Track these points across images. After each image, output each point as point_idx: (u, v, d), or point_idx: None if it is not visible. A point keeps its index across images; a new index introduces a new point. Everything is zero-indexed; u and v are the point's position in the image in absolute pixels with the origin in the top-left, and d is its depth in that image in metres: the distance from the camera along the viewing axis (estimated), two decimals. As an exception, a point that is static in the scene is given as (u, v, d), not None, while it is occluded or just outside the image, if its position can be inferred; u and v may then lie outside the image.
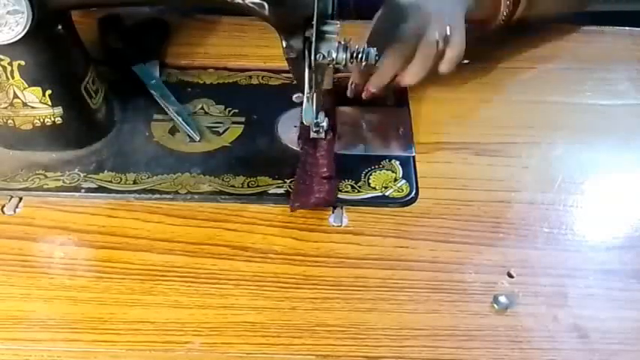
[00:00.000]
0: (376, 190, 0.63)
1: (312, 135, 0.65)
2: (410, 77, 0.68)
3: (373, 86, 0.68)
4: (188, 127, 0.68)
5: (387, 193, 0.62)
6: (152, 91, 0.72)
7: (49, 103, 0.62)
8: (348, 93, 0.70)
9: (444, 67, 0.68)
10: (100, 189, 0.62)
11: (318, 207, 0.60)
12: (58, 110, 0.62)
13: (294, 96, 0.60)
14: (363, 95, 0.69)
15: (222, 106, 0.71)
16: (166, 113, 0.70)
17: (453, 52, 0.68)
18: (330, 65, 0.57)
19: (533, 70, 0.78)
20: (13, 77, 0.59)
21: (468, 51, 0.75)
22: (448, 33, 0.66)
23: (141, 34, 0.80)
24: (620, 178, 0.66)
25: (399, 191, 0.63)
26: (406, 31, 0.65)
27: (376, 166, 0.65)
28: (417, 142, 0.68)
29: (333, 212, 0.61)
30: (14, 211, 0.61)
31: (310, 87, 0.58)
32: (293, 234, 0.59)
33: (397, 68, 0.67)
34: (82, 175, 0.63)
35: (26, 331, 0.52)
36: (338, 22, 0.55)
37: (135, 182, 0.63)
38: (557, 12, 0.81)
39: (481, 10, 0.72)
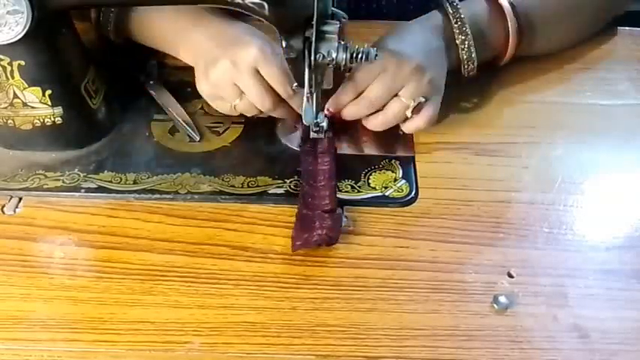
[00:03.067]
0: (376, 190, 0.63)
1: (312, 135, 0.65)
2: (371, 124, 0.66)
3: (332, 108, 0.65)
4: (188, 127, 0.68)
5: (387, 193, 0.62)
6: (152, 92, 0.72)
7: (49, 103, 0.62)
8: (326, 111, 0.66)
9: (408, 127, 0.66)
10: (100, 189, 0.62)
11: (321, 246, 0.57)
12: (58, 110, 0.62)
13: (293, 85, 0.60)
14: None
15: (222, 106, 0.71)
16: (166, 113, 0.70)
17: (422, 120, 0.65)
18: (330, 65, 0.57)
19: (534, 70, 0.78)
20: (13, 77, 0.59)
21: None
22: (422, 100, 0.64)
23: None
24: (620, 178, 0.66)
25: (399, 191, 0.63)
26: (386, 81, 0.63)
27: (376, 166, 0.65)
28: (417, 142, 0.68)
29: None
30: (14, 211, 0.61)
31: (310, 87, 0.58)
32: (293, 234, 0.59)
33: (364, 111, 0.65)
34: (81, 175, 0.63)
35: (26, 331, 0.52)
36: (338, 22, 0.55)
37: (135, 182, 0.63)
38: (569, 41, 0.80)
39: (488, 53, 0.71)
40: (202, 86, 0.66)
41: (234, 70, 0.62)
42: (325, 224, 0.57)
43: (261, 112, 0.65)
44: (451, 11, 0.68)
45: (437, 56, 0.67)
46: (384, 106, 0.65)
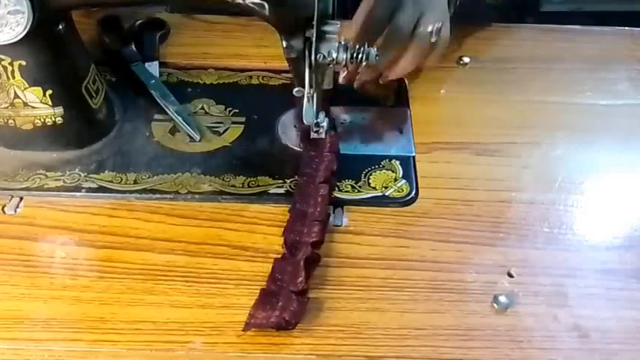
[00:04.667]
0: (376, 190, 0.63)
1: (313, 135, 0.65)
2: (400, 70, 0.66)
3: (366, 76, 0.67)
4: (188, 127, 0.68)
5: (387, 193, 0.62)
6: (152, 91, 0.72)
7: (50, 103, 0.62)
8: (340, 79, 0.68)
9: (433, 60, 0.68)
10: (101, 189, 0.62)
11: (278, 329, 0.51)
12: (59, 110, 0.62)
13: (295, 90, 0.60)
14: (355, 84, 0.68)
15: (223, 106, 0.71)
16: (167, 113, 0.70)
17: (441, 47, 0.67)
18: (331, 65, 0.57)
19: (534, 70, 0.78)
20: (13, 77, 0.59)
21: (468, 50, 0.75)
22: (440, 26, 0.64)
23: (140, 34, 0.80)
24: (620, 178, 0.66)
25: (399, 191, 0.63)
26: (400, 21, 0.63)
27: (376, 166, 0.65)
28: (417, 142, 0.68)
29: (333, 212, 0.61)
30: (15, 211, 0.61)
31: (310, 87, 0.58)
32: (293, 234, 0.59)
33: (390, 61, 0.66)
34: (82, 175, 0.63)
35: (27, 330, 0.52)
36: (338, 22, 0.55)
37: (135, 182, 0.63)
38: None
39: None
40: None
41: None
42: (290, 307, 0.52)
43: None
44: None
45: None
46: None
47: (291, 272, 0.54)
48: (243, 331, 0.51)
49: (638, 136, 0.71)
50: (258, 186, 0.63)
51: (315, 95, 0.59)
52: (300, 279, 0.53)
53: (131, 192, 0.62)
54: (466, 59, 0.78)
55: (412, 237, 0.59)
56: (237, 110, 0.71)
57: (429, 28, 0.64)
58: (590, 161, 0.68)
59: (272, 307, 0.52)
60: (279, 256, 0.57)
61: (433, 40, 0.65)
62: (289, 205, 0.60)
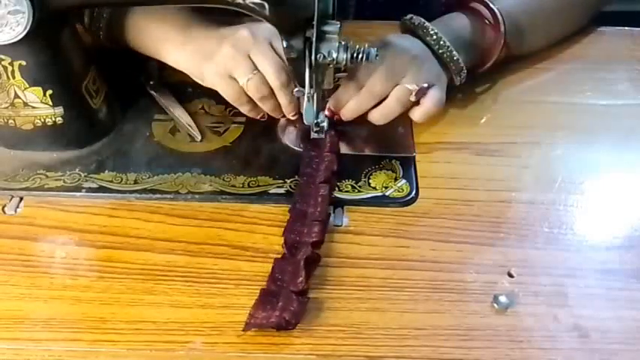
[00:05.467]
0: (376, 190, 0.63)
1: (313, 135, 0.65)
2: (375, 116, 0.66)
3: (333, 106, 0.66)
4: (189, 127, 0.68)
5: (387, 193, 0.62)
6: (152, 92, 0.72)
7: (50, 103, 0.62)
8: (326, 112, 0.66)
9: (417, 114, 0.66)
10: (101, 189, 0.62)
11: (278, 329, 0.51)
12: (59, 110, 0.62)
13: (295, 90, 0.60)
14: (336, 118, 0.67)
15: (223, 106, 0.71)
16: (167, 113, 0.70)
17: (430, 103, 0.65)
18: (330, 65, 0.57)
19: (534, 70, 0.78)
20: (14, 77, 0.59)
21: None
22: (425, 85, 0.64)
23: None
24: (620, 178, 0.66)
25: (399, 191, 0.63)
26: (386, 71, 0.63)
27: (376, 166, 0.65)
28: (417, 142, 0.68)
29: (334, 212, 0.61)
30: (15, 211, 0.61)
31: (311, 87, 0.58)
32: (294, 234, 0.59)
33: (365, 105, 0.65)
34: (82, 174, 0.64)
35: (27, 330, 0.52)
36: (338, 22, 0.55)
37: (136, 182, 0.63)
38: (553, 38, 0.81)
39: (474, 59, 0.72)
40: (208, 68, 0.64)
41: (250, 40, 0.62)
42: (290, 307, 0.51)
43: (265, 101, 0.64)
44: (421, 33, 0.68)
45: (431, 53, 0.68)
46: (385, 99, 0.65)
47: (292, 272, 0.54)
48: (243, 331, 0.51)
49: (638, 136, 0.71)
50: (258, 186, 0.63)
51: (315, 95, 0.59)
52: (301, 279, 0.53)
53: (131, 192, 0.62)
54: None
55: (412, 237, 0.59)
56: (237, 110, 0.71)
57: (410, 86, 0.64)
58: (590, 161, 0.68)
59: (272, 307, 0.52)
60: (279, 256, 0.57)
61: (413, 98, 0.64)
62: (289, 205, 0.60)
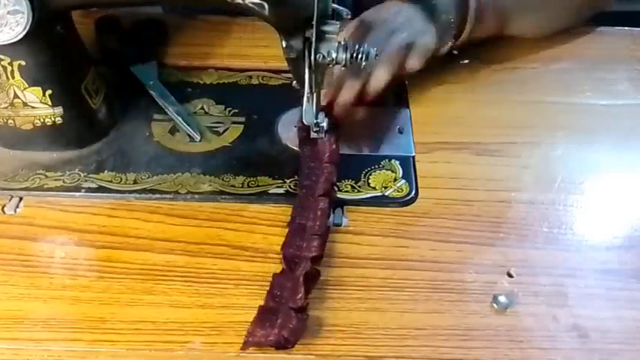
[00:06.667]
0: (376, 190, 0.63)
1: (313, 135, 0.65)
2: (376, 82, 0.66)
3: (345, 96, 0.66)
4: (188, 127, 0.68)
5: (387, 193, 0.62)
6: (151, 92, 0.72)
7: (50, 103, 0.62)
8: (322, 101, 0.66)
9: (411, 63, 0.68)
10: (101, 189, 0.62)
11: (277, 348, 0.50)
12: (59, 110, 0.62)
13: (294, 82, 0.60)
14: (335, 109, 0.67)
15: (222, 106, 0.71)
16: (166, 113, 0.70)
17: (419, 51, 0.67)
18: (330, 65, 0.57)
19: (534, 70, 0.78)
20: (13, 77, 0.59)
21: (468, 51, 0.75)
22: (411, 41, 0.66)
23: (138, 34, 0.80)
24: (620, 178, 0.66)
25: (399, 191, 0.63)
26: (373, 39, 0.65)
27: (376, 166, 0.65)
28: (417, 142, 0.68)
29: (333, 212, 0.61)
30: (15, 211, 0.61)
31: (310, 87, 0.58)
32: (293, 234, 0.59)
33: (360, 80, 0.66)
34: (82, 175, 0.63)
35: (27, 330, 0.52)
36: (338, 22, 0.55)
37: (135, 182, 0.63)
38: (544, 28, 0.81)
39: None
40: None
41: None
42: (289, 325, 0.50)
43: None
44: None
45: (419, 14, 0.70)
46: None
47: (291, 288, 0.53)
48: (241, 349, 0.50)
49: (638, 136, 0.71)
50: (257, 186, 0.63)
51: (315, 95, 0.59)
52: (300, 295, 0.52)
53: (131, 192, 0.62)
54: (466, 59, 0.78)
55: (412, 237, 0.59)
56: (237, 110, 0.71)
57: (397, 40, 0.66)
58: (590, 161, 0.68)
59: (271, 324, 0.51)
60: (279, 256, 0.57)
61: (404, 52, 0.66)
62: (289, 205, 0.60)
